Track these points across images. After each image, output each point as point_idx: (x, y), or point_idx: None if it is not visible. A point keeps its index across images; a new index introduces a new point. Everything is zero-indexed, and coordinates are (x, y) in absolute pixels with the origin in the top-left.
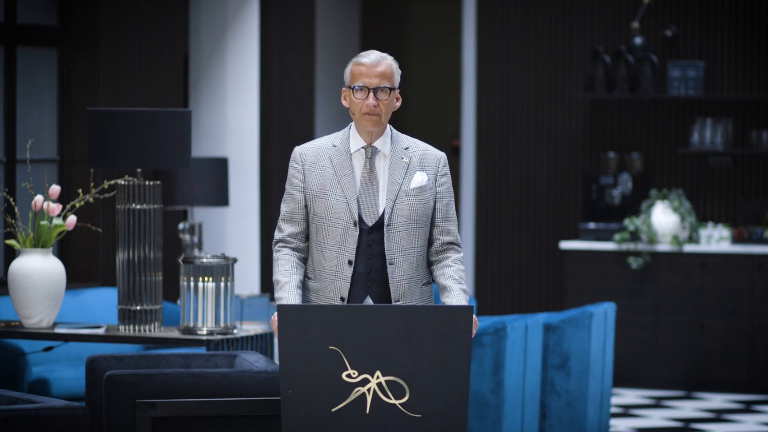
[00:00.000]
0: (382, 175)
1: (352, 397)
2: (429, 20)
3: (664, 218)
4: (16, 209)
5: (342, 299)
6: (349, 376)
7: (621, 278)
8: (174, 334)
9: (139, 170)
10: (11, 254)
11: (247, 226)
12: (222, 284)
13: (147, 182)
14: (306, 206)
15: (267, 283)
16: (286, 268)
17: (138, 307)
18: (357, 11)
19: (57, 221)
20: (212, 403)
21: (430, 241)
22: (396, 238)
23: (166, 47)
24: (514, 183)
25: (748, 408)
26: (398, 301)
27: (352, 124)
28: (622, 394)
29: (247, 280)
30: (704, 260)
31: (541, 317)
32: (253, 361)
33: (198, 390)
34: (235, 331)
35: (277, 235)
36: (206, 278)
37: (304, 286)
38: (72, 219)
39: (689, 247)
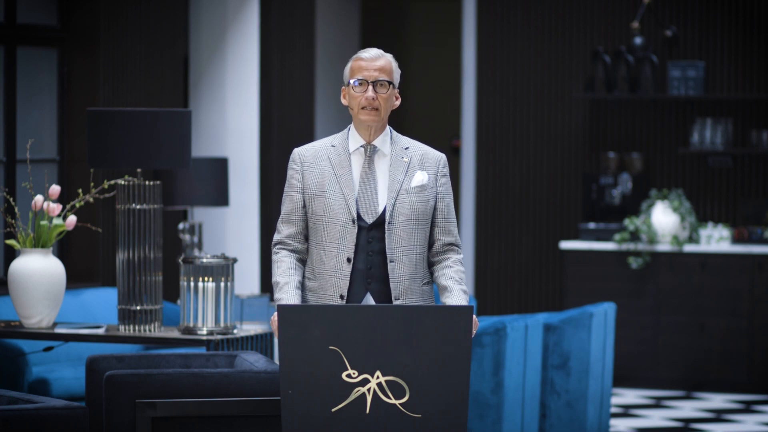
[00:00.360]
0: (382, 173)
1: (352, 397)
2: (429, 20)
3: (664, 218)
4: (16, 209)
5: (341, 297)
6: (349, 376)
7: (621, 278)
8: (174, 334)
9: (139, 170)
10: (11, 254)
11: (247, 226)
12: (222, 284)
13: (147, 182)
14: (304, 206)
15: (267, 283)
16: (285, 269)
17: (138, 307)
18: (357, 11)
19: (57, 221)
20: (212, 403)
21: (431, 242)
22: (397, 236)
23: (166, 47)
24: (514, 183)
25: (748, 408)
26: (398, 299)
27: (351, 125)
28: (622, 394)
29: (247, 280)
30: (704, 260)
31: (541, 317)
32: (253, 361)
33: (198, 390)
34: (235, 331)
35: (276, 237)
36: (206, 278)
37: (302, 287)
38: (72, 219)
39: (689, 247)
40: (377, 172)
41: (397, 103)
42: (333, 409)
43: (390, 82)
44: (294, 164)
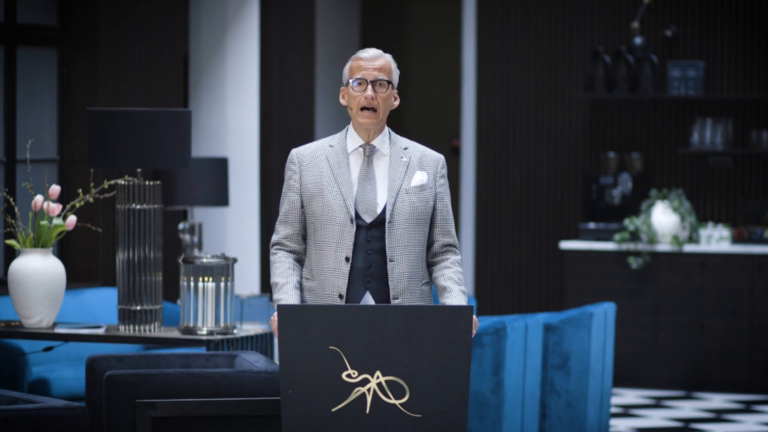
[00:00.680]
0: (382, 173)
1: (352, 397)
2: (429, 20)
3: (664, 218)
4: (16, 209)
5: (340, 296)
6: (349, 376)
7: (621, 278)
8: (174, 334)
9: (139, 170)
10: (11, 254)
11: (247, 226)
12: (222, 284)
13: (147, 182)
14: (302, 207)
15: (267, 283)
16: (283, 270)
17: (138, 307)
18: (357, 11)
19: (57, 221)
20: (212, 403)
21: (430, 242)
22: (397, 235)
23: (166, 47)
24: (514, 183)
25: (748, 408)
26: (397, 298)
27: (350, 125)
28: (622, 394)
29: (247, 280)
30: (704, 260)
31: (541, 317)
32: (253, 361)
33: (198, 390)
34: (235, 331)
35: (274, 237)
36: (206, 278)
37: (301, 287)
38: (72, 219)
39: (689, 247)
40: (376, 171)
41: (396, 103)
42: (333, 409)
43: (389, 82)
44: (292, 165)
